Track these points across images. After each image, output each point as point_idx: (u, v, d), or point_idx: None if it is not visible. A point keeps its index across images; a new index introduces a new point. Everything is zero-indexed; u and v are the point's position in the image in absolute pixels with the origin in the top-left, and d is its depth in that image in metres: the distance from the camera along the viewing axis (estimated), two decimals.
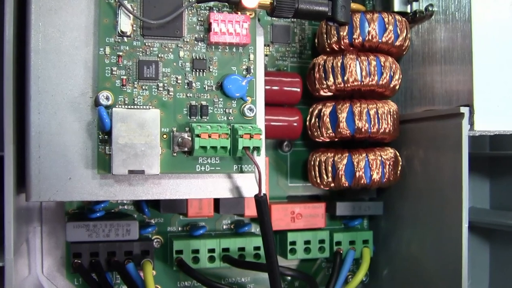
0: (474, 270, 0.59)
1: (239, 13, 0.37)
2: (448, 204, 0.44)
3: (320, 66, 0.48)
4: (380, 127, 0.47)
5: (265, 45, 0.49)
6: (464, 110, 0.43)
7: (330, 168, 0.47)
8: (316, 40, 0.50)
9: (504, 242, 0.57)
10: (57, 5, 0.36)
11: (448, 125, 0.44)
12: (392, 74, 0.48)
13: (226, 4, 0.37)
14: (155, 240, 0.48)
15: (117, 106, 0.36)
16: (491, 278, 0.59)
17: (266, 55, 0.50)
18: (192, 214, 0.47)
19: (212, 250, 0.47)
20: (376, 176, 0.47)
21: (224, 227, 0.50)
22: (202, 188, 0.38)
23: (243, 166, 0.38)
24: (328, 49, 0.49)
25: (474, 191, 0.60)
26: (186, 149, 0.36)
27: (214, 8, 0.37)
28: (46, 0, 0.36)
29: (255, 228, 0.50)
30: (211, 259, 0.47)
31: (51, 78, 0.36)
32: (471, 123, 0.43)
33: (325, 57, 0.48)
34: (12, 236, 0.36)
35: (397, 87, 0.49)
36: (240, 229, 0.50)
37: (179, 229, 0.49)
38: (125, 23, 0.36)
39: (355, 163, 0.47)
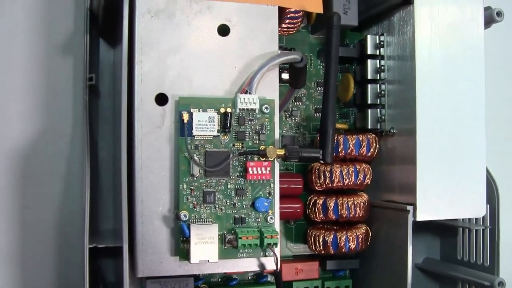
0: None
1: (264, 158, 0.66)
2: (400, 262, 0.73)
3: (315, 170, 0.77)
4: (355, 213, 0.76)
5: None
6: (409, 207, 0.72)
7: (321, 241, 0.77)
8: None
9: (449, 285, 0.86)
10: (153, 156, 0.65)
11: (400, 214, 0.73)
12: (364, 175, 0.77)
13: (257, 154, 0.66)
14: None
15: (191, 220, 0.65)
16: None
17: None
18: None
19: None
20: (352, 246, 0.77)
21: (249, 278, 0.80)
22: (242, 265, 0.67)
23: (266, 252, 0.67)
24: None
25: (429, 246, 0.89)
26: (232, 245, 0.66)
27: (249, 157, 0.66)
28: (145, 158, 0.65)
29: (271, 278, 0.80)
30: None
31: (149, 201, 0.65)
32: (414, 216, 0.72)
33: (319, 164, 0.77)
34: None
35: (369, 183, 0.78)
36: (260, 280, 0.80)
37: (219, 280, 0.79)
38: (195, 169, 0.65)
39: (338, 238, 0.76)
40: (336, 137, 0.76)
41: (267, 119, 0.68)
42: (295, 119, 0.81)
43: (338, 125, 0.79)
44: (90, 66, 0.74)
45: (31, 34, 0.78)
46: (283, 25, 0.74)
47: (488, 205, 0.78)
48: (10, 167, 0.78)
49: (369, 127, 0.79)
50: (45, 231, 0.79)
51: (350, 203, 0.76)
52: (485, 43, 0.74)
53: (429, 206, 0.72)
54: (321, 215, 0.77)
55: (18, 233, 0.78)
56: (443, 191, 0.73)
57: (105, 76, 0.80)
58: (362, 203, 0.77)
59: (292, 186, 0.77)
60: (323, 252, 0.78)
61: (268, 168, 0.67)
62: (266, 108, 0.67)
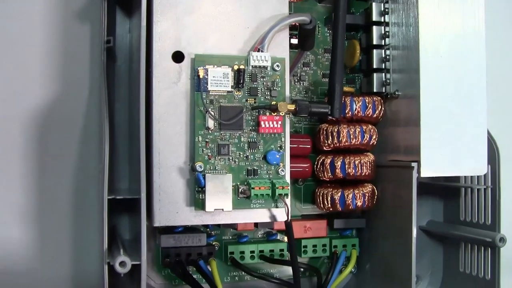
0: (432, 264, 0.93)
1: (275, 113, 0.70)
2: (405, 221, 0.77)
3: (323, 131, 0.81)
4: (362, 172, 0.80)
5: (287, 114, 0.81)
6: (414, 164, 0.76)
7: (329, 198, 0.81)
8: None
9: (452, 245, 0.90)
10: (170, 110, 0.69)
11: (404, 172, 0.77)
12: (370, 136, 0.81)
13: (269, 109, 0.70)
14: (216, 245, 0.81)
15: (206, 171, 0.69)
16: (444, 269, 0.93)
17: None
18: (240, 228, 0.80)
19: (252, 252, 0.81)
20: (359, 204, 0.81)
21: (260, 236, 0.84)
22: (254, 216, 0.71)
23: (278, 204, 0.71)
24: (329, 119, 0.82)
25: (433, 209, 0.93)
26: (245, 196, 0.70)
27: (261, 111, 0.70)
28: (162, 113, 0.69)
29: (280, 237, 0.84)
30: (252, 257, 0.81)
31: (165, 153, 0.69)
32: (419, 172, 0.76)
33: (327, 125, 0.81)
34: (144, 245, 0.69)
35: (374, 144, 0.82)
36: (270, 237, 0.84)
37: (230, 238, 0.83)
38: (210, 123, 0.69)
39: (345, 195, 0.80)
40: (343, 99, 0.80)
41: (278, 76, 0.72)
42: (303, 83, 0.85)
43: (345, 89, 0.83)
44: (108, 31, 0.78)
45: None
46: None
47: (489, 165, 0.82)
48: (28, 129, 0.81)
49: (375, 91, 0.83)
50: (63, 192, 0.83)
51: (357, 162, 0.80)
52: (487, 7, 0.78)
53: (433, 163, 0.76)
54: (329, 174, 0.81)
55: (36, 193, 0.82)
56: (446, 150, 0.76)
57: (121, 45, 0.84)
58: (368, 163, 0.81)
59: (301, 146, 0.81)
60: (331, 209, 0.82)
61: (280, 122, 0.71)
62: (277, 66, 0.71)
